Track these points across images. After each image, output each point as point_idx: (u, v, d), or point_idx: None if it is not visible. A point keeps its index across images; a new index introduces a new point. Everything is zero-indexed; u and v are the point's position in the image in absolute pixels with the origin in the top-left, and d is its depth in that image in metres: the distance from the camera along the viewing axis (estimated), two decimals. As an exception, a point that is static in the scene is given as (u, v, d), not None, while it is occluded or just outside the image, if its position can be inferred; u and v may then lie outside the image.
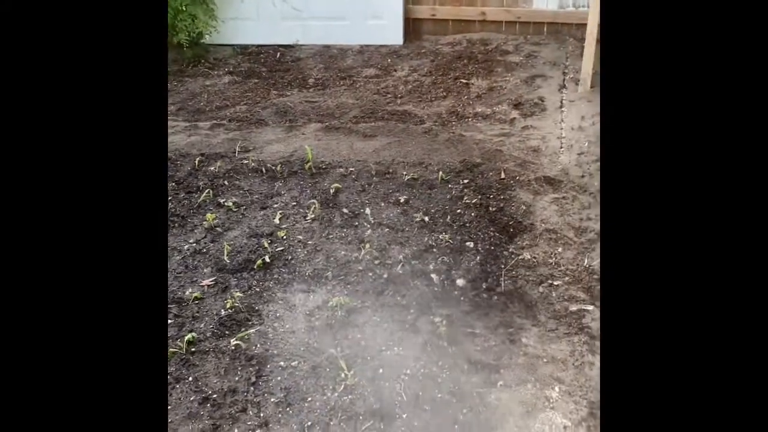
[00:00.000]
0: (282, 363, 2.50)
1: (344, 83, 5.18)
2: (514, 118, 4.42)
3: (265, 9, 5.78)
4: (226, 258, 3.08)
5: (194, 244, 3.20)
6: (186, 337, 2.59)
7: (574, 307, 2.72)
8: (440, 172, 3.69)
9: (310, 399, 2.35)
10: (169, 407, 2.35)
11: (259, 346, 2.58)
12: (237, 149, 4.08)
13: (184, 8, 5.41)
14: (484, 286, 2.86)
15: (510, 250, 3.09)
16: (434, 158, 3.90)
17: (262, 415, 2.30)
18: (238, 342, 2.58)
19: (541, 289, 2.84)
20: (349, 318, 2.71)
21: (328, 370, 2.46)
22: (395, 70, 5.35)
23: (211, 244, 3.20)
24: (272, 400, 2.36)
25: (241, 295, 2.84)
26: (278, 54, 5.78)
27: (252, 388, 2.40)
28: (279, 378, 2.44)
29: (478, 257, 3.04)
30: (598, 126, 4.10)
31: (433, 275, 2.94)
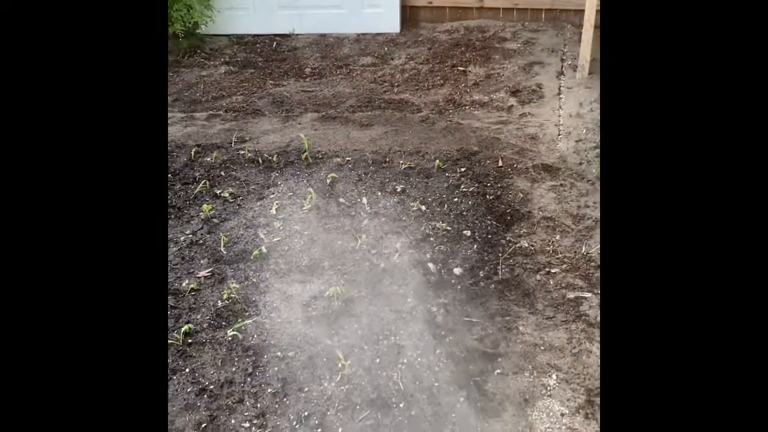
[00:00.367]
0: (279, 353, 2.50)
1: (341, 72, 5.15)
2: (512, 105, 4.39)
3: (261, -2, 5.74)
4: (222, 249, 3.07)
5: (191, 236, 3.19)
6: (183, 329, 2.59)
7: (571, 295, 2.71)
8: (437, 161, 3.67)
9: (307, 389, 2.35)
10: (166, 399, 2.35)
11: (255, 336, 2.58)
12: (233, 140, 4.06)
13: (178, -2, 5.37)
14: (481, 275, 2.85)
15: (507, 238, 3.08)
16: (431, 147, 3.88)
17: (259, 405, 2.30)
18: (234, 333, 2.58)
19: (538, 276, 2.83)
20: (345, 308, 2.70)
21: (325, 360, 2.46)
22: (392, 59, 5.32)
23: (208, 235, 3.19)
24: (269, 390, 2.35)
25: (237, 286, 2.83)
26: (274, 43, 5.74)
27: (249, 379, 2.40)
28: (276, 368, 2.44)
29: (476, 246, 3.03)
30: (596, 113, 4.08)
31: (430, 264, 2.93)
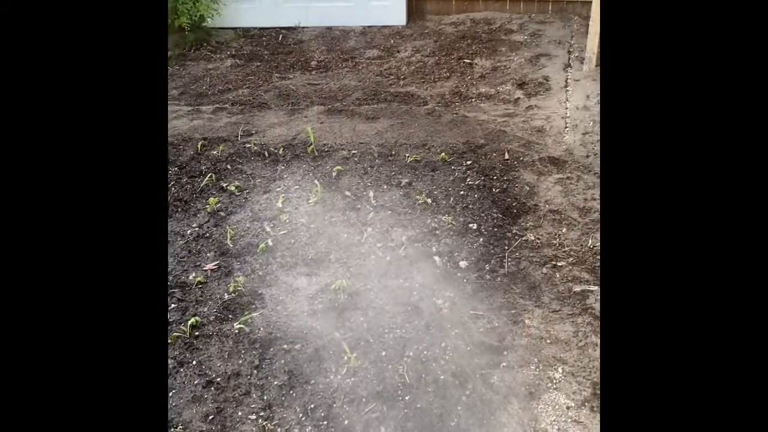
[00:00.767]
0: (285, 346, 2.51)
1: (347, 65, 5.14)
2: (519, 98, 4.37)
3: (267, -9, 5.73)
4: (229, 242, 3.08)
5: (197, 229, 3.21)
6: (189, 321, 2.60)
7: (578, 288, 2.71)
8: (443, 154, 3.66)
9: (313, 382, 2.36)
10: (173, 391, 2.36)
11: (262, 329, 2.59)
12: (239, 133, 4.06)
13: (184, -9, 5.37)
14: (487, 268, 2.85)
15: (513, 231, 3.08)
16: (437, 140, 3.87)
17: (265, 398, 2.31)
18: (241, 326, 2.59)
19: (544, 270, 2.83)
20: (351, 301, 2.70)
21: (331, 352, 2.47)
22: (398, 51, 5.30)
23: (214, 229, 3.20)
24: (275, 383, 2.37)
25: (244, 279, 2.84)
26: (280, 36, 5.73)
27: (255, 372, 2.41)
28: (282, 361, 2.45)
29: (482, 239, 3.03)
30: (603, 105, 4.05)
31: (435, 257, 2.93)
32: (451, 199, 3.32)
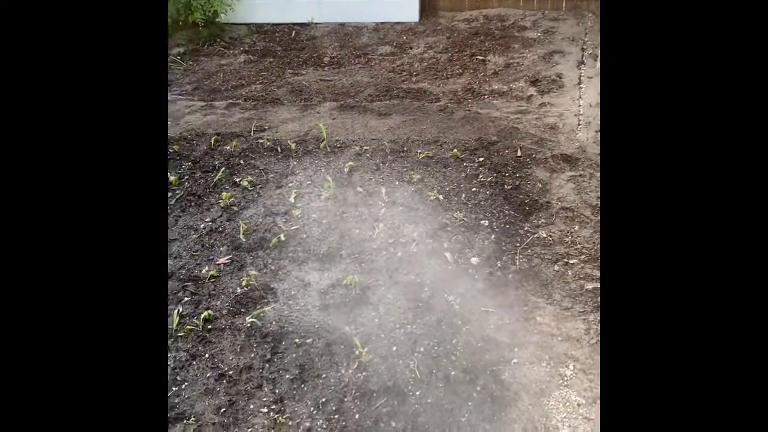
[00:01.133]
0: (297, 340, 2.52)
1: (359, 61, 5.14)
2: (531, 95, 4.36)
3: (280, -13, 5.74)
4: (241, 236, 3.10)
5: (210, 223, 3.23)
6: (202, 315, 2.63)
7: (590, 286, 2.70)
8: (455, 150, 3.66)
9: (324, 376, 2.37)
10: (185, 383, 2.39)
11: (274, 323, 2.61)
12: (252, 128, 4.08)
13: (198, -13, 5.40)
14: (498, 265, 2.85)
15: (525, 228, 3.07)
16: (449, 136, 3.87)
17: (277, 391, 2.33)
18: (253, 320, 2.61)
19: (556, 267, 2.82)
20: (363, 296, 2.71)
21: (342, 347, 2.48)
22: (411, 48, 5.29)
23: (227, 223, 3.22)
24: (287, 376, 2.38)
25: (256, 273, 2.86)
26: (293, 32, 5.74)
27: (267, 365, 2.43)
28: (294, 355, 2.46)
29: (493, 236, 3.03)
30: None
31: (447, 254, 2.93)
32: (463, 195, 3.32)
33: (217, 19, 5.69)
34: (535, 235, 3.01)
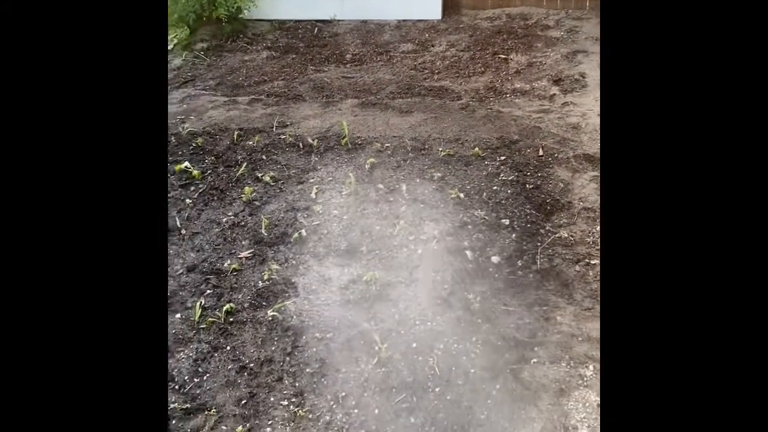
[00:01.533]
0: (317, 334, 2.54)
1: (381, 59, 5.15)
2: (554, 94, 4.33)
3: (303, -17, 5.77)
4: (263, 231, 3.13)
5: (233, 217, 3.26)
6: (224, 308, 2.66)
7: (611, 287, 2.69)
8: (476, 149, 3.66)
9: (344, 370, 2.39)
10: (207, 375, 2.42)
11: (295, 317, 2.63)
12: (275, 124, 4.11)
13: (223, -17, 5.44)
14: (519, 264, 2.85)
15: (547, 228, 3.06)
16: (471, 134, 3.86)
17: (297, 384, 2.35)
18: (274, 313, 2.63)
19: (577, 267, 2.81)
20: (383, 292, 2.73)
21: (362, 342, 2.50)
22: (433, 46, 5.29)
23: (249, 217, 3.25)
24: (307, 370, 2.40)
25: (277, 267, 2.89)
26: (315, 29, 5.77)
27: (288, 358, 2.45)
28: (314, 349, 2.48)
29: (514, 235, 3.02)
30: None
31: (467, 252, 2.93)
32: (484, 194, 3.31)
33: (240, 15, 5.74)
34: (557, 235, 3.00)
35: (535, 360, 2.39)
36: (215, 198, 3.42)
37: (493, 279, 2.77)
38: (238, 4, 5.61)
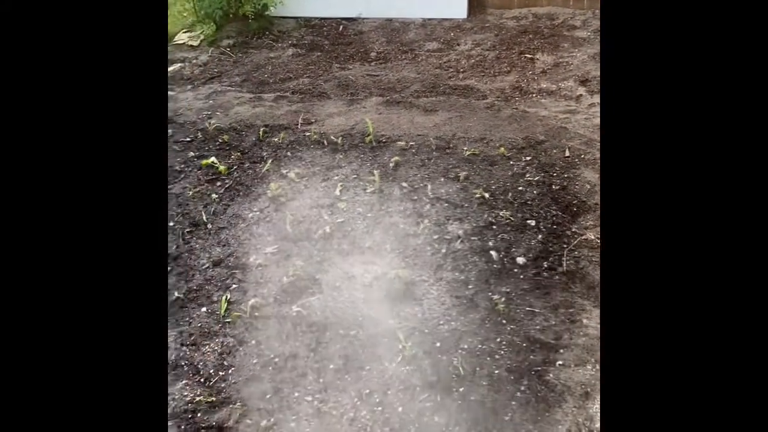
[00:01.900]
0: (341, 331, 2.55)
1: (406, 57, 5.15)
2: (581, 95, 4.30)
3: (329, -19, 5.79)
4: (288, 227, 3.14)
5: (258, 213, 3.28)
6: (250, 302, 2.68)
7: (638, 290, 2.66)
8: (502, 149, 3.64)
9: (368, 368, 2.39)
10: (232, 368, 2.44)
11: (319, 313, 2.64)
12: (300, 121, 4.13)
13: (249, -20, 5.48)
14: (545, 265, 2.83)
15: (573, 229, 3.04)
16: (496, 134, 3.84)
17: (321, 380, 2.36)
18: (299, 309, 2.65)
19: (604, 270, 2.78)
20: (407, 291, 2.73)
21: (386, 340, 2.50)
22: (458, 44, 5.27)
23: (274, 213, 3.27)
24: (331, 366, 2.41)
25: (302, 263, 2.90)
26: (341, 27, 5.78)
27: (312, 354, 2.47)
28: (338, 346, 2.49)
29: (540, 236, 3.00)
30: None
31: (492, 252, 2.92)
32: (509, 194, 3.30)
33: (266, 12, 5.77)
34: (583, 237, 2.98)
35: (560, 362, 2.37)
36: (241, 193, 3.45)
37: (518, 280, 2.76)
38: (265, 1, 5.64)
